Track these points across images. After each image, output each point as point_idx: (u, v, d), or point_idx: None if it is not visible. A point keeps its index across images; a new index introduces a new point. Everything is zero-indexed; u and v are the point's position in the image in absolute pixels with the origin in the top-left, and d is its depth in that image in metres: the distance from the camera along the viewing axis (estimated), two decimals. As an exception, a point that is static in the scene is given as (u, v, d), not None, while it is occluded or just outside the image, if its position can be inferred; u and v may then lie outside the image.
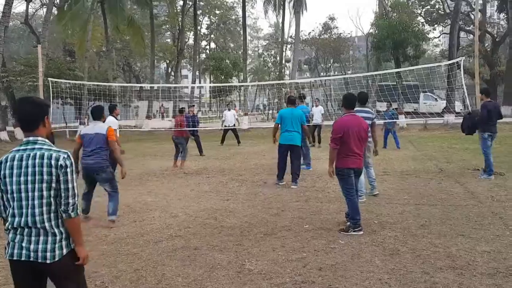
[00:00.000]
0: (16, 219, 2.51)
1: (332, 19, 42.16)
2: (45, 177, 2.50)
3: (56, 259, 2.52)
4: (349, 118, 5.89)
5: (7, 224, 2.56)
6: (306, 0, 35.74)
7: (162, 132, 25.72)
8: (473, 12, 33.44)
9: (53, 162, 2.52)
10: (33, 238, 2.49)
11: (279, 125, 9.21)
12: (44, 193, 2.51)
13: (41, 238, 2.50)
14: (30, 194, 2.50)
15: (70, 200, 2.56)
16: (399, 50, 25.50)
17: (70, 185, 2.57)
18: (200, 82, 54.06)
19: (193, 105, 17.74)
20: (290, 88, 30.77)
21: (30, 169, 2.50)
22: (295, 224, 6.15)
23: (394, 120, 15.93)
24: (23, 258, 2.49)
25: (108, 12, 29.20)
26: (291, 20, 42.79)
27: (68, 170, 2.56)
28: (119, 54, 41.88)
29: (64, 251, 2.57)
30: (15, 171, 2.51)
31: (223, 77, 33.41)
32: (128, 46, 38.85)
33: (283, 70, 43.94)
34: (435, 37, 42.43)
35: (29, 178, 2.50)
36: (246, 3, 34.33)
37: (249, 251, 5.08)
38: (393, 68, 24.48)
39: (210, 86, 36.87)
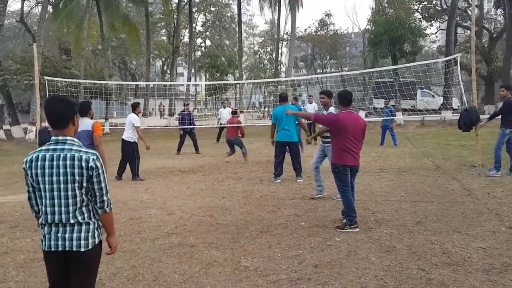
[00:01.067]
0: (50, 216, 2.64)
1: (328, 15, 42.16)
2: (76, 177, 2.63)
3: (89, 248, 2.68)
4: (347, 115, 5.89)
5: (40, 219, 2.69)
6: (302, -3, 35.75)
7: (159, 130, 25.71)
8: (470, 8, 33.52)
9: (83, 164, 2.63)
10: (68, 229, 2.65)
11: (276, 124, 9.22)
12: (76, 192, 2.65)
13: (76, 228, 2.66)
14: (62, 193, 2.63)
15: (105, 198, 2.75)
16: (396, 46, 25.52)
17: (103, 184, 2.73)
18: (195, 80, 53.92)
19: (188, 103, 17.73)
20: (286, 85, 30.74)
21: (61, 170, 2.61)
22: (291, 222, 6.14)
23: (392, 118, 15.93)
24: (59, 249, 2.64)
25: (103, 10, 29.08)
26: (287, 16, 42.77)
27: (100, 171, 2.70)
28: (114, 52, 41.75)
29: (96, 240, 2.74)
30: (47, 170, 2.61)
31: (218, 75, 33.35)
32: (124, 44, 38.74)
33: (279, 67, 43.89)
34: (432, 33, 42.43)
35: (61, 178, 2.61)
36: (242, 0, 34.23)
37: (245, 248, 5.08)
38: (390, 65, 24.48)
39: (205, 84, 36.76)
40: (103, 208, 2.76)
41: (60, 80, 20.14)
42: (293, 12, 32.43)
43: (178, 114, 15.87)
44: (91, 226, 2.71)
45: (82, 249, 2.65)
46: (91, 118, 6.66)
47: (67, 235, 2.63)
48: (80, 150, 2.66)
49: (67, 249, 2.63)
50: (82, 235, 2.66)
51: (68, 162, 2.60)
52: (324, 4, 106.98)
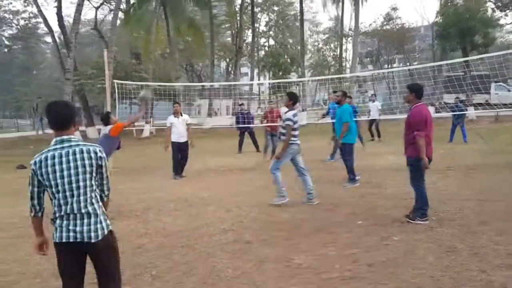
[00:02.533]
0: (63, 207, 2.85)
1: (394, 9, 40.79)
2: (87, 168, 2.89)
3: (99, 238, 2.88)
4: (424, 107, 5.87)
5: (54, 214, 2.91)
6: (367, -9, 34.89)
7: (223, 129, 26.22)
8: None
9: (92, 154, 2.92)
10: (78, 221, 2.85)
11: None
12: (88, 182, 2.89)
13: (86, 220, 2.86)
14: (75, 185, 2.85)
15: (110, 185, 3.10)
16: (466, 38, 24.16)
17: (108, 173, 3.07)
18: (259, 79, 54.34)
19: (242, 103, 18.01)
20: (351, 82, 30.16)
21: (72, 164, 2.85)
22: (348, 220, 6.06)
23: (464, 112, 15.10)
24: (71, 240, 2.84)
25: (170, 14, 30.17)
26: (352, 12, 41.88)
27: (106, 160, 3.01)
28: (182, 55, 43.13)
29: (105, 231, 2.93)
30: (57, 167, 2.83)
31: (280, 73, 33.38)
32: (190, 47, 39.90)
33: (343, 64, 43.15)
34: (507, 24, 39.68)
35: (73, 171, 2.84)
36: (305, -2, 34.00)
37: (299, 246, 5.09)
38: (460, 58, 23.25)
39: (269, 83, 36.97)
40: (108, 196, 3.10)
41: (129, 83, 21.20)
42: (356, 7, 31.75)
43: (235, 114, 16.17)
44: (99, 218, 2.91)
45: (93, 240, 2.85)
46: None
47: (78, 228, 2.83)
48: (86, 144, 2.94)
49: (78, 240, 2.83)
50: (92, 227, 2.86)
51: (78, 155, 2.85)
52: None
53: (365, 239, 5.22)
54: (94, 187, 2.95)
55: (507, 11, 35.45)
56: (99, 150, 2.97)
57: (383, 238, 5.23)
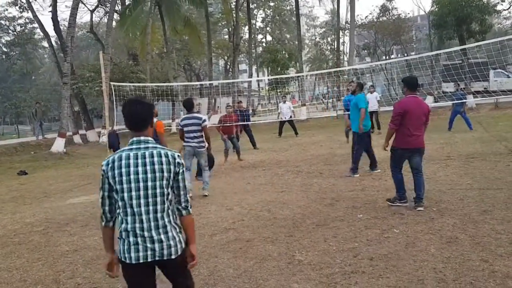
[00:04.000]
0: (136, 217, 2.49)
1: (390, 0, 40.59)
2: (165, 174, 2.52)
3: (178, 253, 2.56)
4: (411, 99, 6.07)
5: (124, 226, 2.52)
6: (362, -17, 34.71)
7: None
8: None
9: (171, 159, 2.56)
10: (156, 238, 2.49)
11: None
12: (164, 190, 2.53)
13: (163, 235, 2.51)
14: (150, 192, 2.50)
15: (188, 197, 2.66)
16: (463, 26, 24.03)
17: (185, 183, 2.65)
18: (258, 76, 54.25)
19: (240, 101, 18.03)
20: (349, 74, 30.09)
21: (149, 167, 2.50)
22: (349, 214, 6.04)
23: (463, 101, 15.05)
24: (149, 260, 2.49)
25: (165, 14, 30.08)
26: (347, 4, 41.73)
27: (184, 168, 2.63)
28: (179, 54, 43.04)
29: (183, 245, 2.60)
30: (132, 169, 2.50)
31: (279, 69, 33.32)
32: (187, 45, 39.83)
33: (341, 57, 43.04)
34: (504, 9, 39.48)
35: (150, 175, 2.50)
36: (300, -8, 33.83)
37: (300, 242, 5.07)
38: (457, 46, 23.13)
39: (268, 79, 36.94)
40: (187, 209, 2.63)
41: (127, 85, 21.21)
42: (352, 0, 31.61)
43: (234, 111, 16.09)
44: (176, 232, 2.57)
45: (173, 256, 2.54)
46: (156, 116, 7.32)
47: (156, 245, 2.48)
48: (164, 148, 2.61)
49: (157, 258, 2.49)
50: (171, 242, 2.52)
51: (155, 158, 2.51)
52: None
53: (365, 233, 5.21)
54: (171, 197, 2.58)
55: (504, -3, 35.28)
56: (178, 155, 2.61)
57: (384, 231, 5.22)
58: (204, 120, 7.83)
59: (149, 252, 2.47)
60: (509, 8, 39.48)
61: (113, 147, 11.99)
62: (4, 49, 49.66)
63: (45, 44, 45.60)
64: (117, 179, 2.48)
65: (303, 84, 31.59)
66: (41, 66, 60.26)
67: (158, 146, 2.61)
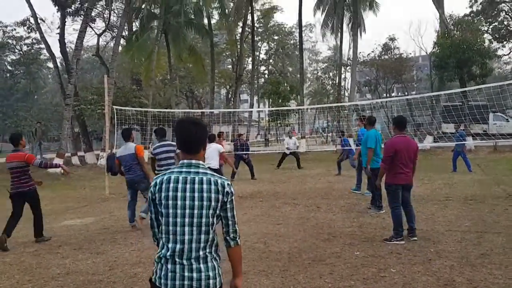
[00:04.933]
0: (178, 245, 2.38)
1: (392, 39, 41.36)
2: (213, 203, 2.40)
3: (217, 287, 2.41)
4: (400, 139, 6.46)
5: (163, 251, 2.41)
6: (365, 22, 35.49)
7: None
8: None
9: (220, 188, 2.43)
10: (195, 267, 2.36)
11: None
12: (210, 219, 2.40)
13: (203, 266, 2.37)
14: (195, 220, 2.38)
15: (237, 227, 2.53)
16: (464, 69, 24.38)
17: (235, 212, 2.53)
18: (259, 106, 54.70)
19: (242, 134, 18.29)
20: (349, 110, 30.37)
21: (197, 194, 2.39)
22: (346, 251, 5.98)
23: (463, 142, 15.10)
24: None
25: (171, 41, 30.62)
26: (350, 42, 42.52)
27: (233, 198, 2.51)
28: (182, 81, 43.53)
29: (222, 278, 2.48)
30: (179, 193, 2.39)
31: (280, 101, 33.62)
32: (191, 73, 40.32)
33: (342, 93, 43.51)
34: (504, 55, 40.26)
35: (196, 203, 2.39)
36: (305, 28, 34.54)
37: (295, 277, 5.00)
38: (458, 88, 23.44)
39: (268, 110, 37.24)
40: (235, 240, 2.51)
41: (129, 109, 21.35)
42: (354, 37, 32.24)
43: (234, 141, 16.38)
44: (217, 263, 2.45)
45: None
46: (132, 142, 7.92)
47: (194, 274, 2.33)
48: (214, 175, 2.47)
49: None
50: (211, 273, 2.37)
51: (205, 186, 2.39)
52: (388, 28, 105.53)
53: (362, 271, 5.14)
54: (214, 228, 2.44)
55: (504, 42, 36.08)
56: (228, 184, 2.47)
57: (380, 270, 5.15)
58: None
59: (186, 282, 2.33)
60: (509, 53, 40.30)
61: (111, 171, 11.94)
62: (9, 68, 50.17)
63: (50, 64, 46.18)
64: (163, 202, 2.40)
65: (303, 117, 31.80)
66: (44, 86, 60.74)
67: (209, 172, 2.48)
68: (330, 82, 49.53)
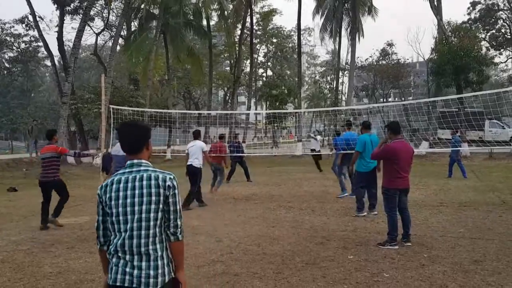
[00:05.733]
0: (120, 241, 2.43)
1: (390, 45, 41.54)
2: (153, 198, 2.44)
3: (158, 286, 2.39)
4: (399, 144, 6.46)
5: (110, 247, 2.47)
6: (363, 27, 35.59)
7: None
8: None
9: (161, 182, 2.47)
10: (136, 263, 2.40)
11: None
12: (152, 215, 2.43)
13: (145, 263, 2.40)
14: (137, 216, 2.43)
15: (179, 222, 2.52)
16: (461, 76, 24.53)
17: (178, 206, 2.53)
18: (256, 109, 54.79)
19: (237, 134, 18.22)
20: (346, 114, 30.43)
21: (137, 191, 2.45)
22: (339, 254, 5.97)
23: (458, 149, 15.14)
24: (126, 284, 2.38)
25: (169, 42, 30.64)
26: (348, 46, 42.67)
27: (176, 191, 2.52)
28: (180, 82, 43.51)
29: (167, 278, 2.44)
30: (121, 193, 2.47)
31: (277, 104, 33.69)
32: (189, 74, 40.32)
33: (339, 97, 43.61)
34: (501, 62, 40.51)
35: (136, 199, 2.44)
36: (303, 32, 34.60)
37: (288, 280, 4.99)
38: (455, 94, 23.54)
39: (266, 113, 37.28)
40: (176, 235, 2.50)
41: (125, 109, 21.31)
42: (353, 42, 32.39)
43: (229, 144, 16.13)
44: (164, 261, 2.44)
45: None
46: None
47: (135, 271, 2.37)
48: (156, 170, 2.53)
49: (134, 285, 2.37)
50: (152, 272, 2.38)
51: (144, 182, 2.46)
52: (386, 34, 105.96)
53: (355, 275, 5.13)
54: (159, 223, 2.46)
55: (501, 50, 36.28)
56: (169, 178, 2.51)
57: (373, 274, 5.15)
58: None
59: (126, 277, 2.37)
60: (506, 61, 40.53)
61: (106, 170, 11.92)
62: (7, 65, 50.04)
63: (48, 63, 46.18)
64: (108, 203, 2.46)
65: (300, 120, 31.83)
66: (41, 84, 60.63)
67: (150, 168, 2.54)
68: (328, 86, 49.65)
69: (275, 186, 13.77)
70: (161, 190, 2.45)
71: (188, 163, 10.13)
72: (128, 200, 2.43)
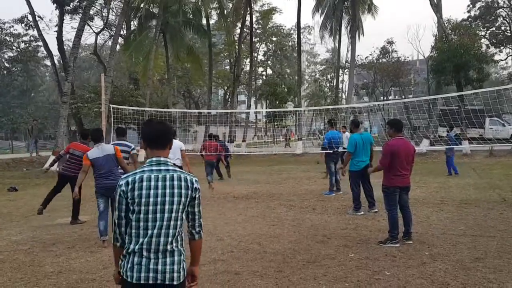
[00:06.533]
0: (147, 239, 2.47)
1: (390, 43, 41.49)
2: (182, 199, 2.54)
3: (181, 280, 2.53)
4: (399, 141, 6.44)
5: (132, 245, 2.49)
6: (363, 24, 35.56)
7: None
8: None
9: (189, 184, 2.58)
10: (160, 260, 2.47)
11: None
12: (179, 214, 2.54)
13: (169, 259, 2.49)
14: (166, 215, 2.50)
15: (202, 221, 2.71)
16: (461, 73, 24.47)
17: (201, 208, 2.70)
18: (256, 108, 54.76)
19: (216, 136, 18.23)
20: (346, 112, 30.41)
21: (169, 190, 2.52)
22: (340, 253, 5.96)
23: (452, 147, 15.15)
24: (150, 282, 2.45)
25: (169, 41, 30.63)
26: (348, 44, 42.63)
27: (200, 193, 2.68)
28: (180, 81, 43.49)
29: (185, 272, 2.59)
30: (153, 191, 2.50)
31: (277, 102, 33.68)
32: (188, 73, 40.31)
33: (339, 95, 43.59)
34: (501, 60, 40.47)
35: (168, 199, 2.51)
36: (303, 30, 34.57)
37: (289, 279, 4.98)
38: (455, 92, 23.52)
39: (266, 111, 37.27)
40: (200, 233, 2.69)
41: (125, 108, 21.30)
42: (353, 40, 32.36)
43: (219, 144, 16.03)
44: (182, 257, 2.56)
45: (175, 283, 2.49)
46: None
47: (160, 267, 2.45)
48: (183, 172, 2.63)
49: (159, 282, 2.45)
50: (175, 267, 2.49)
51: (175, 182, 2.53)
52: (386, 32, 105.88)
53: (356, 273, 5.12)
54: (181, 222, 2.58)
55: (501, 47, 36.23)
56: (195, 180, 2.64)
57: (374, 272, 5.14)
58: (133, 148, 7.63)
59: (151, 274, 2.44)
60: (506, 58, 40.49)
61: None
62: (6, 65, 50.04)
63: (48, 62, 46.15)
64: (136, 200, 2.48)
65: (300, 119, 31.84)
66: (41, 83, 60.62)
67: (178, 169, 2.62)
68: (328, 85, 49.62)
69: (275, 185, 13.76)
70: (189, 192, 2.57)
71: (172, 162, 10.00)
72: (160, 199, 2.49)
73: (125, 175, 2.59)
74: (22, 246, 6.67)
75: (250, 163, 23.78)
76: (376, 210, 8.72)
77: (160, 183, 2.51)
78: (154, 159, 2.60)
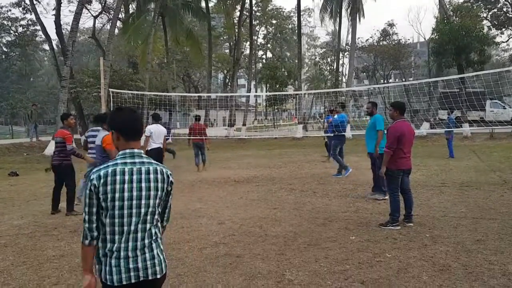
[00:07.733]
0: (121, 236, 2.33)
1: (391, 25, 41.14)
2: (159, 192, 2.44)
3: (164, 272, 2.45)
4: (403, 123, 6.45)
5: (107, 247, 2.33)
6: (364, 7, 35.20)
7: (219, 140, 26.12)
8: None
9: (165, 177, 2.48)
10: (140, 257, 2.35)
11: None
12: (156, 208, 2.45)
13: (148, 254, 2.38)
14: (143, 210, 2.38)
15: (170, 215, 2.68)
16: (462, 55, 24.28)
17: (172, 200, 2.64)
18: (256, 91, 54.54)
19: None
20: (347, 96, 30.30)
21: (144, 184, 2.39)
22: (341, 235, 5.98)
23: (451, 129, 15.13)
24: (133, 280, 2.33)
25: (168, 25, 30.30)
26: (349, 27, 42.26)
27: (173, 186, 2.57)
28: (179, 65, 43.23)
29: (166, 263, 2.51)
30: (127, 185, 2.34)
31: (277, 86, 33.50)
32: (188, 57, 40.03)
33: (340, 78, 43.37)
34: (503, 42, 40.10)
35: (144, 193, 2.38)
36: (303, 12, 34.21)
37: (291, 261, 5.00)
38: (456, 75, 23.36)
39: (266, 95, 37.11)
40: (165, 227, 2.66)
41: (125, 92, 21.20)
42: (353, 22, 32.04)
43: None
44: (160, 250, 2.45)
45: (158, 276, 2.40)
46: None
47: (140, 264, 2.33)
48: (158, 164, 2.49)
49: (142, 279, 2.34)
50: (156, 260, 2.39)
51: (152, 175, 2.41)
52: (387, 14, 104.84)
53: (357, 255, 5.14)
54: (158, 216, 2.48)
55: (503, 29, 35.90)
56: (170, 173, 2.53)
57: (375, 254, 5.15)
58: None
59: (132, 273, 2.31)
60: (508, 40, 40.17)
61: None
62: (4, 49, 49.73)
63: (46, 46, 45.77)
64: (109, 195, 2.30)
65: (300, 102, 31.72)
66: (40, 68, 60.31)
67: (153, 161, 2.49)
68: (328, 68, 49.35)
69: (276, 169, 13.77)
70: (165, 185, 2.47)
71: (156, 145, 9.96)
72: (136, 193, 2.35)
73: (96, 168, 2.38)
74: (24, 231, 6.69)
75: (250, 147, 23.77)
76: (386, 197, 8.31)
77: (135, 177, 2.35)
78: (127, 151, 2.42)
